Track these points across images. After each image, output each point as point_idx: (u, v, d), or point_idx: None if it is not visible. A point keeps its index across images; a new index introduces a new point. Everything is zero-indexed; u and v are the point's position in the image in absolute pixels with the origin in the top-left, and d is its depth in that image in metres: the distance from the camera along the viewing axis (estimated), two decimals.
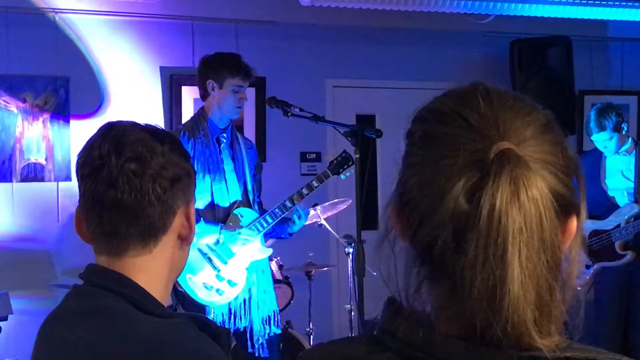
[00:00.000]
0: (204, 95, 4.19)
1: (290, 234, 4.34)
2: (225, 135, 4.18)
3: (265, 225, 4.16)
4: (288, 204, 4.18)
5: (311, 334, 5.17)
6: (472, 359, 0.91)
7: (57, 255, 5.58)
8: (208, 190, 4.08)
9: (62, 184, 5.63)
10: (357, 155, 3.79)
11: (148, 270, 1.48)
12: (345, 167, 4.35)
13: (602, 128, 4.91)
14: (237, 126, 4.64)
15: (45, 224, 5.59)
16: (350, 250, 4.97)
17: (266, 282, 4.23)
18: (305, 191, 4.24)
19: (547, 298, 0.90)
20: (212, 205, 4.10)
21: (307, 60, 6.38)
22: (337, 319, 6.32)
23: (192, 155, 4.06)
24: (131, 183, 1.43)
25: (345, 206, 5.13)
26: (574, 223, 0.95)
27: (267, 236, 4.31)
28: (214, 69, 4.15)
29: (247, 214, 4.16)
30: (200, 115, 4.19)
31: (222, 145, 4.17)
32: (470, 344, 0.91)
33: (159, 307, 1.47)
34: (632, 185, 4.95)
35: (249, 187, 4.22)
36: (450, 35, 6.73)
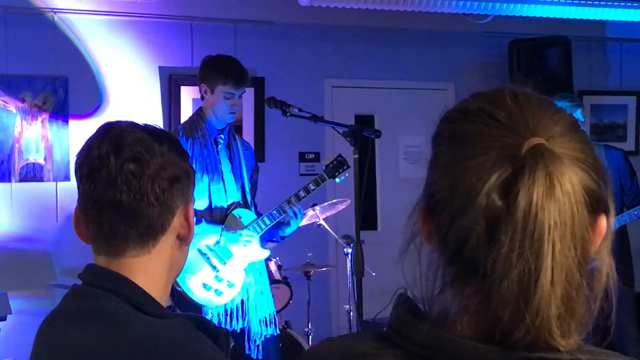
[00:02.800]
0: (202, 96, 4.20)
1: (282, 237, 4.32)
2: (222, 136, 4.17)
3: (263, 226, 4.15)
4: (286, 206, 4.18)
5: (310, 334, 5.17)
6: (480, 359, 0.92)
7: (55, 256, 5.58)
8: (206, 191, 4.08)
9: (60, 184, 5.63)
10: (356, 156, 3.79)
11: (147, 271, 1.48)
12: (341, 170, 4.34)
13: (578, 106, 4.89)
14: (236, 126, 4.64)
15: (44, 224, 5.59)
16: (349, 250, 4.97)
17: (263, 284, 4.23)
18: (302, 194, 4.23)
19: (574, 294, 0.91)
20: (209, 205, 4.10)
21: (306, 60, 6.38)
22: (335, 319, 6.33)
23: (190, 155, 4.05)
24: (130, 183, 1.43)
25: (344, 206, 5.13)
26: (604, 222, 0.95)
27: (260, 239, 4.30)
28: (207, 74, 4.14)
29: (245, 215, 4.16)
30: (198, 115, 4.18)
31: (220, 146, 4.16)
32: (479, 344, 0.92)
33: (157, 308, 1.47)
34: None
35: (247, 188, 4.21)
36: (449, 36, 6.73)
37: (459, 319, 0.95)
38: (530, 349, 0.91)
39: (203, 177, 4.06)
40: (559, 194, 0.89)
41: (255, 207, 4.31)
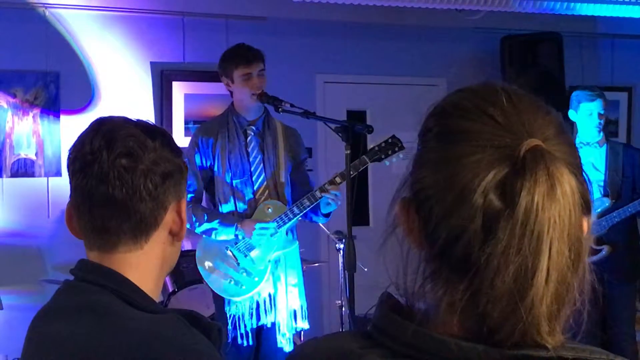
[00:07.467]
0: (230, 92, 4.22)
1: (327, 215, 4.18)
2: (253, 127, 4.15)
3: (291, 216, 4.07)
4: (318, 194, 4.08)
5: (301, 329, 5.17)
6: (463, 357, 0.91)
7: (47, 251, 5.57)
8: (229, 187, 4.06)
9: (52, 180, 5.62)
10: (348, 151, 3.79)
11: (139, 266, 1.48)
12: (390, 152, 4.15)
13: (599, 95, 4.84)
14: None
15: (36, 220, 5.58)
16: (341, 246, 4.97)
17: (294, 276, 4.17)
18: (338, 180, 4.13)
19: (564, 294, 0.92)
20: (233, 200, 4.07)
21: (298, 55, 6.37)
22: (327, 314, 6.33)
23: (213, 153, 4.06)
24: (122, 178, 1.43)
25: None
26: (586, 223, 0.96)
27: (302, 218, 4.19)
28: (222, 67, 4.17)
29: (274, 207, 4.10)
30: (229, 110, 4.19)
31: (249, 137, 4.14)
32: (463, 342, 0.92)
33: (150, 303, 1.47)
34: (602, 177, 4.91)
35: (280, 179, 4.15)
36: (442, 31, 6.73)
37: (445, 316, 0.94)
38: (517, 347, 0.91)
39: (226, 174, 4.04)
40: (559, 196, 0.89)
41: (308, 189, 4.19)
